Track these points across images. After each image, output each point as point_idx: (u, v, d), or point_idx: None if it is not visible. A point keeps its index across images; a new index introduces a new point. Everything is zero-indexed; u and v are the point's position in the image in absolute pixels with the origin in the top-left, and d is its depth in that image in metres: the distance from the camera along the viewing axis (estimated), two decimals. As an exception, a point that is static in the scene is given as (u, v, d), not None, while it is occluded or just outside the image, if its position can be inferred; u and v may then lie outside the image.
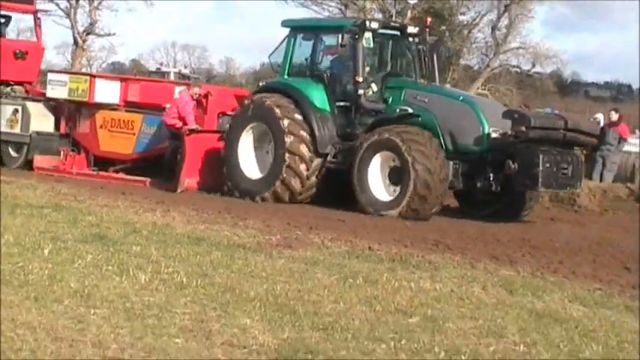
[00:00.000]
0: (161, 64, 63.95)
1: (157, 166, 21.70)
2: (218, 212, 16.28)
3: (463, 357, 7.49)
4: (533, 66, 57.80)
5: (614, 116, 27.81)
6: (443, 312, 9.16)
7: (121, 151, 22.63)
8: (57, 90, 23.45)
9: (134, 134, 22.39)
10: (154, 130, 22.06)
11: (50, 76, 24.45)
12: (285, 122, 19.12)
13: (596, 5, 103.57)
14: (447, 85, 22.21)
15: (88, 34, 56.72)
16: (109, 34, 57.25)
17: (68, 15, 55.78)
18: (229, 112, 21.18)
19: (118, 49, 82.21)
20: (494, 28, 55.52)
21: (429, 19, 21.57)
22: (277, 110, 19.24)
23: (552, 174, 17.67)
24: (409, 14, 48.53)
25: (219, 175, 19.99)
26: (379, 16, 50.55)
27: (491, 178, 18.06)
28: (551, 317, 9.24)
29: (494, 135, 17.96)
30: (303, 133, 19.08)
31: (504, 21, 55.24)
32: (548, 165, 17.52)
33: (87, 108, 23.26)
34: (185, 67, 65.28)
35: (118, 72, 63.27)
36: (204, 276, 10.19)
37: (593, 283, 11.45)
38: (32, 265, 10.06)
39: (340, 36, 18.97)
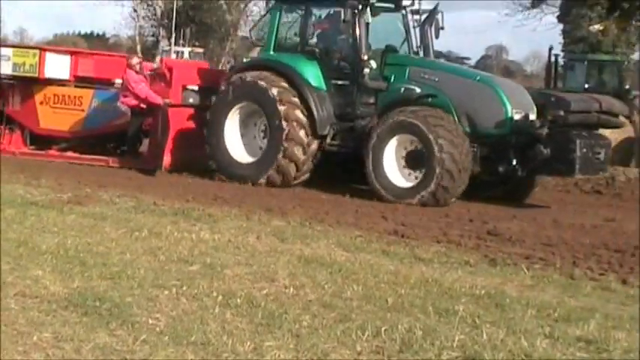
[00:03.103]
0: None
1: (104, 143, 19.54)
2: (12, 172, 15.83)
3: (239, 300, 7.53)
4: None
5: None
6: (221, 260, 9.18)
7: (67, 128, 19.52)
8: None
9: (83, 110, 19.36)
10: (105, 106, 19.17)
11: None
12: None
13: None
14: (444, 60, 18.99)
15: None
16: None
17: None
18: (190, 86, 18.39)
19: None
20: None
21: None
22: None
23: (588, 159, 15.39)
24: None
25: (197, 152, 17.32)
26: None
27: (514, 163, 15.54)
28: (317, 262, 9.38)
29: (517, 117, 15.43)
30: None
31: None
32: (584, 150, 15.27)
33: (23, 83, 19.95)
34: (-22, 36, 62.80)
35: None
36: (-2, 232, 9.92)
37: (354, 231, 11.65)
38: None
39: (343, 11, 16.29)
